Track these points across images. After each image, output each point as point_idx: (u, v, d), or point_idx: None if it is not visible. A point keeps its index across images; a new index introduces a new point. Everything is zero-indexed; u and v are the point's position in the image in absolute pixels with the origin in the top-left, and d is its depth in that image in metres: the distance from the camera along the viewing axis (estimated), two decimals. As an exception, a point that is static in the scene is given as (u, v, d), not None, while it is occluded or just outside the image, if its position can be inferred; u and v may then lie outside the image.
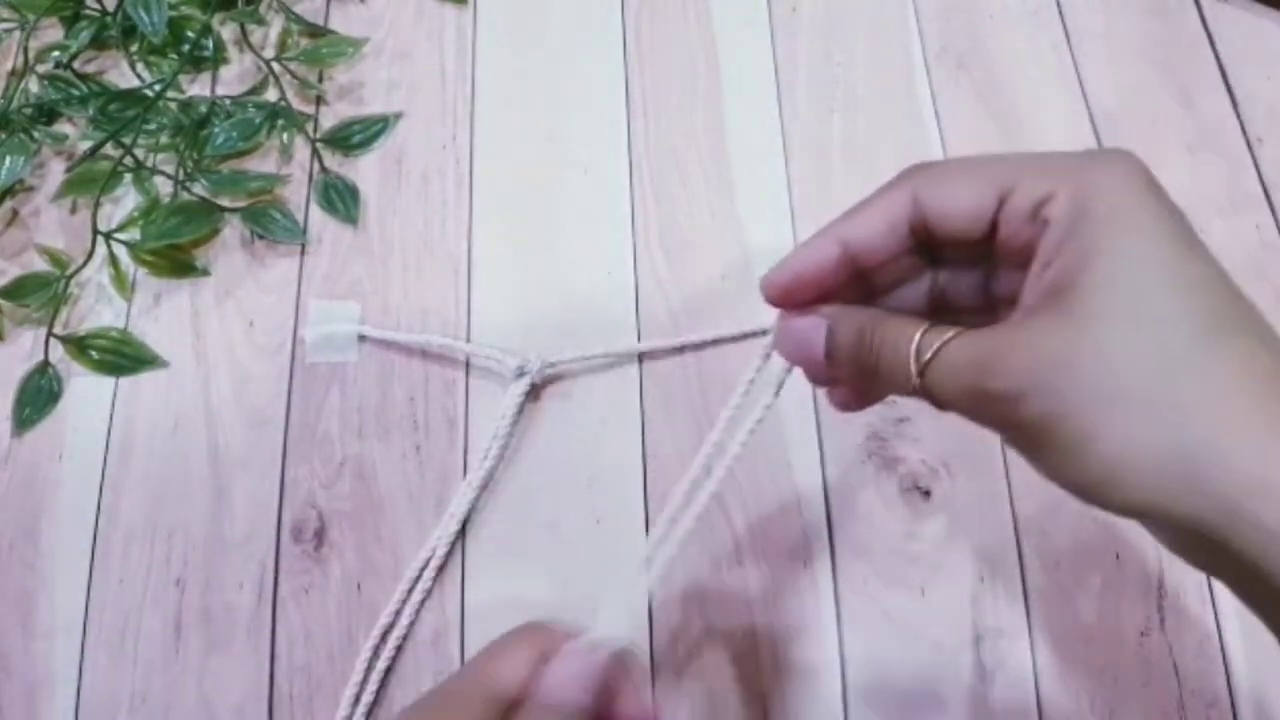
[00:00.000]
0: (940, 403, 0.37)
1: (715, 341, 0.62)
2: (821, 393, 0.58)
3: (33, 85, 0.68)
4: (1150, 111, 0.68)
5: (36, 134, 0.65)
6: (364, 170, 0.67)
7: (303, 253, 0.65)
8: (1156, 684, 0.54)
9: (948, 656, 0.55)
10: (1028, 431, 0.35)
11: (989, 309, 0.41)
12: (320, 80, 0.70)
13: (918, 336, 0.37)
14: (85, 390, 0.61)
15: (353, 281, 0.64)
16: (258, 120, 0.67)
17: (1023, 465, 0.55)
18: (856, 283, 0.41)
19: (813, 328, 0.40)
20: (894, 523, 0.58)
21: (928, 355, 0.37)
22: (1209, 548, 0.32)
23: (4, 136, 0.65)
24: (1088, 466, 0.34)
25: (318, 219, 0.66)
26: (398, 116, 0.69)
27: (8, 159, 0.64)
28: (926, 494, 0.58)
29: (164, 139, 0.67)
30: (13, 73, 0.69)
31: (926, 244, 0.40)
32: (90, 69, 0.70)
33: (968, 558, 0.57)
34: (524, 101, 0.70)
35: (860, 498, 0.58)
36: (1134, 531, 0.57)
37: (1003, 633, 0.55)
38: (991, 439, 0.57)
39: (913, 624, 0.56)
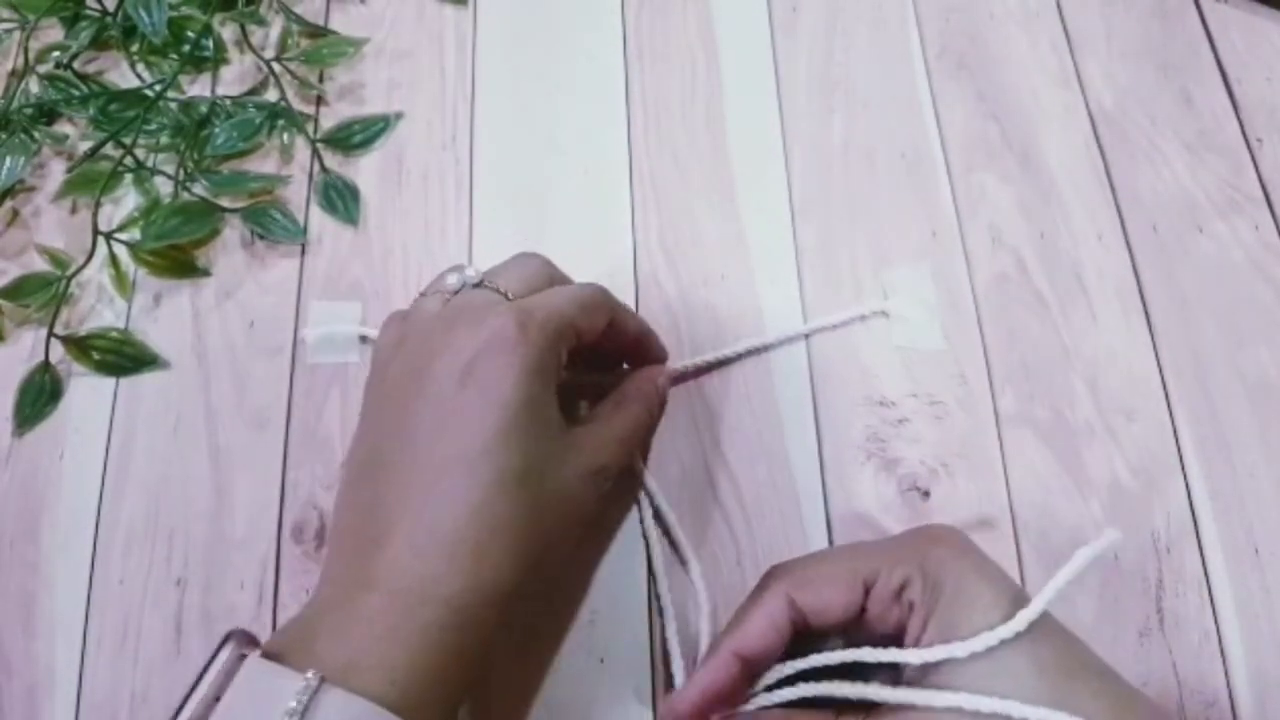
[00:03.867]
0: None
1: (719, 363, 0.62)
2: (820, 393, 0.60)
3: (33, 85, 0.68)
4: (1150, 112, 0.68)
5: (37, 134, 0.66)
6: (364, 171, 0.67)
7: (303, 253, 0.65)
8: (1156, 684, 0.54)
9: None
10: None
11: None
12: (320, 80, 0.70)
13: None
14: (86, 390, 0.61)
15: (353, 282, 0.64)
16: (258, 120, 0.67)
17: (1021, 466, 0.56)
18: (745, 670, 0.46)
19: None
20: (894, 523, 0.58)
21: None
22: None
23: (4, 137, 0.65)
24: None
25: (317, 219, 0.66)
26: (398, 116, 0.69)
27: (8, 159, 0.65)
28: (926, 494, 0.58)
29: (164, 139, 0.67)
30: (13, 73, 0.69)
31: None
32: (90, 69, 0.70)
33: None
34: (524, 102, 0.70)
35: (859, 498, 0.58)
36: (1134, 530, 0.57)
37: None
38: (992, 440, 0.58)
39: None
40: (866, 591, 0.45)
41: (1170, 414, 0.60)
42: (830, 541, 0.57)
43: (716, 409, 0.60)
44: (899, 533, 0.47)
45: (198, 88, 0.70)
